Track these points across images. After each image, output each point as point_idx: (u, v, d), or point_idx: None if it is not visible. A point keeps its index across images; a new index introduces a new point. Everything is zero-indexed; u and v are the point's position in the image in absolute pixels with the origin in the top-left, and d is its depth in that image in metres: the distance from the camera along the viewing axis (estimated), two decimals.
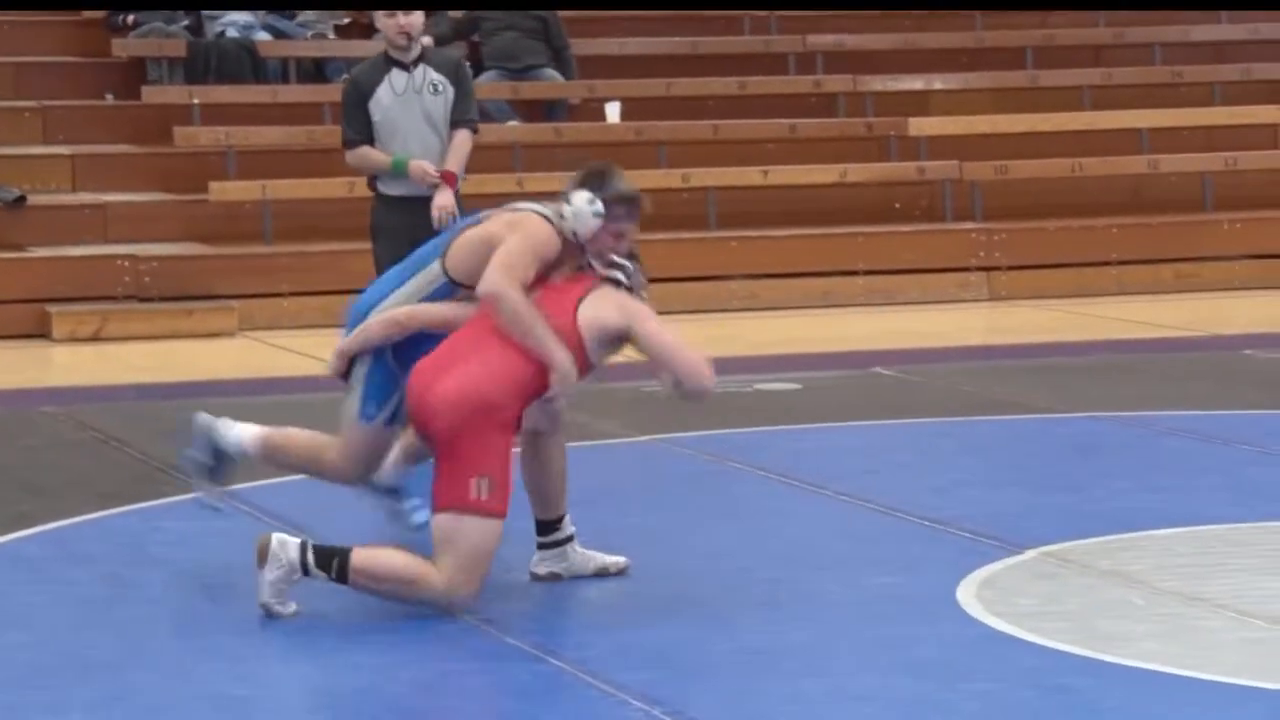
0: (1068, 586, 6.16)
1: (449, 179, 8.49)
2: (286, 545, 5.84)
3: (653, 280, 14.07)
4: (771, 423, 9.08)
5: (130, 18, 14.71)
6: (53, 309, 12.31)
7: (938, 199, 14.42)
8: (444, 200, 8.46)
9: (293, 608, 5.86)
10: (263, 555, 5.83)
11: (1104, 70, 15.73)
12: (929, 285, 13.58)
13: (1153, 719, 4.97)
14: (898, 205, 14.48)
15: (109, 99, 14.53)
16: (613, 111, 14.66)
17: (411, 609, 5.86)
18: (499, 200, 14.95)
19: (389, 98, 8.50)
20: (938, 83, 15.47)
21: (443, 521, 5.80)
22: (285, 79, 14.84)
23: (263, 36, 14.86)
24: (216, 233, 13.34)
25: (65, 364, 11.69)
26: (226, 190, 13.39)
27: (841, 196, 14.29)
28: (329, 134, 14.10)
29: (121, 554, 6.75)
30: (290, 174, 13.56)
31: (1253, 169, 14.79)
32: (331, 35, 15.22)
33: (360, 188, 13.62)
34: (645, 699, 5.11)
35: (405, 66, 8.50)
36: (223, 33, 14.77)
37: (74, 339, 12.17)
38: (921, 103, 15.32)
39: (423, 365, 5.95)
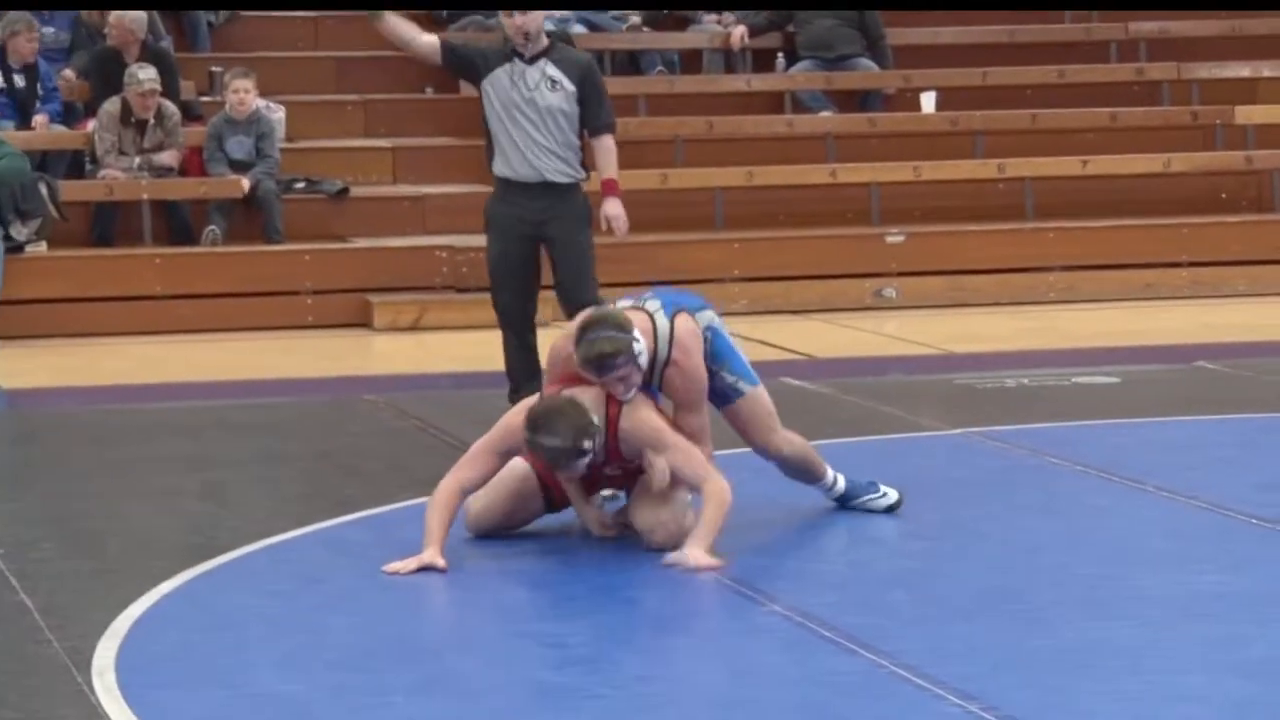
0: None
1: (610, 188, 8.52)
2: None
3: (969, 272, 13.99)
4: (1090, 417, 8.90)
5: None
6: (374, 299, 12.56)
7: (1266, 189, 14.02)
8: (612, 209, 8.53)
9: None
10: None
11: None
12: (1257, 277, 13.21)
13: None
14: (1224, 195, 14.13)
15: (429, 92, 14.77)
16: (928, 101, 14.51)
17: (728, 598, 5.84)
18: (815, 191, 14.90)
19: (505, 82, 8.52)
20: (1265, 69, 15.04)
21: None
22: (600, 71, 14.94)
23: (578, 30, 14.99)
24: None
25: (385, 353, 11.91)
26: None
27: (1165, 187, 13.98)
28: (643, 125, 14.21)
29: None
30: None
31: None
32: (646, 28, 15.30)
33: (675, 178, 13.76)
34: (961, 694, 5.03)
35: (525, 59, 8.46)
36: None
37: (394, 328, 12.39)
38: (1248, 90, 14.92)
39: None
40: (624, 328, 6.44)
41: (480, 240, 13.44)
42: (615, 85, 14.76)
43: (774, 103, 14.84)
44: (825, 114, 14.56)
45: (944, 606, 5.92)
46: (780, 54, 15.07)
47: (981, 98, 14.61)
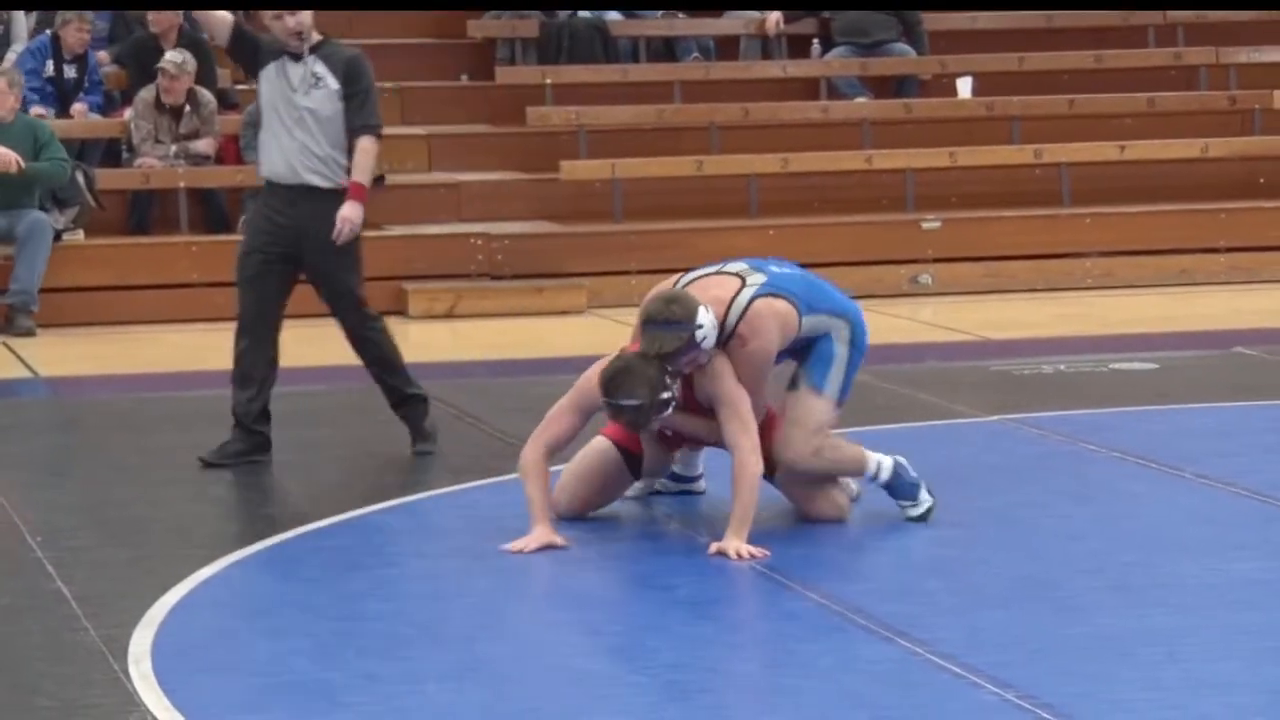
0: None
1: (356, 192, 7.94)
2: None
3: (1006, 258, 13.92)
4: (1126, 403, 8.87)
5: None
6: (409, 286, 12.57)
7: None
8: (347, 211, 7.91)
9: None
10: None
11: None
12: None
13: None
14: (1262, 180, 14.04)
15: (464, 80, 14.77)
16: (964, 87, 14.46)
17: (763, 585, 5.83)
18: (850, 178, 14.88)
19: (272, 76, 8.05)
20: None
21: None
22: (635, 58, 14.93)
23: (614, 16, 14.98)
24: (567, 211, 13.49)
25: (420, 340, 11.90)
26: (577, 169, 13.52)
27: (1202, 172, 13.91)
28: (678, 113, 14.19)
29: (474, 527, 6.84)
30: (640, 152, 13.64)
31: None
32: (681, 14, 15.27)
33: (710, 165, 13.74)
34: (997, 683, 5.02)
35: (295, 56, 8.04)
36: (574, 13, 14.92)
37: (429, 316, 12.40)
38: None
39: None
40: (684, 320, 6.39)
41: (515, 227, 13.51)
42: (650, 72, 14.82)
43: (809, 89, 14.80)
44: (861, 100, 14.52)
45: (980, 594, 5.90)
46: (816, 40, 15.03)
47: (1018, 83, 14.55)
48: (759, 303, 6.54)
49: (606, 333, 11.92)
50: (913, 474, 6.80)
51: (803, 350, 6.69)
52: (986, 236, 13.21)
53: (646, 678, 5.23)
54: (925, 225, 13.19)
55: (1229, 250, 13.26)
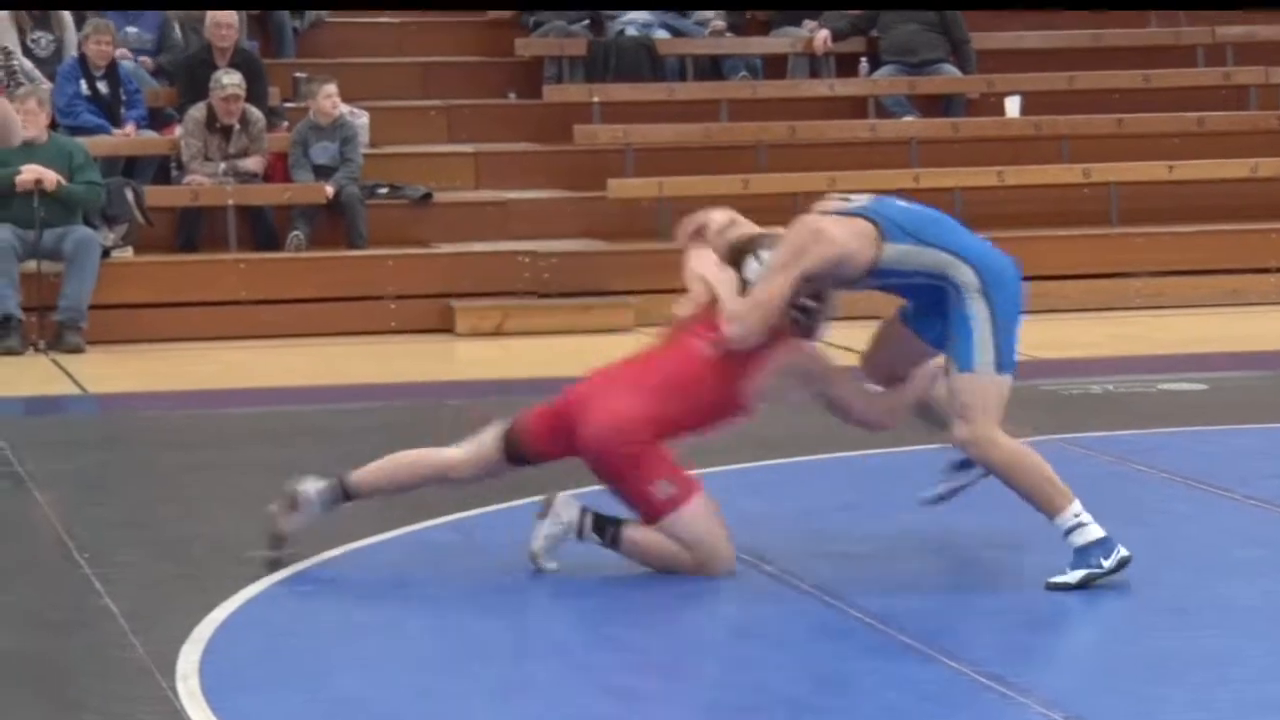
0: None
1: None
2: (570, 506, 6.25)
3: (1054, 278, 13.90)
4: (1176, 424, 8.83)
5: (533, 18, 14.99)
6: (456, 304, 12.59)
7: None
8: None
9: (554, 565, 6.25)
10: (547, 508, 6.27)
11: None
12: None
13: None
14: None
15: (511, 98, 14.80)
16: (1012, 106, 14.43)
17: (808, 605, 5.82)
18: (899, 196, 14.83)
19: None
20: None
21: (665, 527, 6.22)
22: (683, 76, 14.95)
23: (661, 34, 15.00)
24: (614, 229, 13.50)
25: (468, 358, 11.94)
26: (624, 187, 13.54)
27: (1253, 192, 13.85)
28: (725, 131, 14.20)
29: (522, 544, 6.83)
30: (687, 170, 13.65)
31: None
32: (729, 33, 15.28)
33: (757, 184, 13.71)
34: (1046, 703, 4.99)
35: None
36: (622, 31, 14.95)
37: (476, 334, 12.42)
38: None
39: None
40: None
41: (562, 245, 13.53)
42: (697, 90, 14.83)
43: (857, 108, 14.79)
44: (908, 119, 14.50)
45: (1026, 614, 5.87)
46: (864, 59, 15.02)
47: (1066, 102, 14.52)
48: (830, 205, 6.30)
49: None
50: (1107, 564, 6.01)
51: (943, 322, 6.17)
52: (1035, 256, 13.10)
53: (691, 695, 5.22)
54: None
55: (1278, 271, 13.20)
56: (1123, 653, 5.45)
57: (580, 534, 6.26)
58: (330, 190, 12.90)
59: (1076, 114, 14.35)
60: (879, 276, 6.20)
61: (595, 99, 14.32)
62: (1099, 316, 12.61)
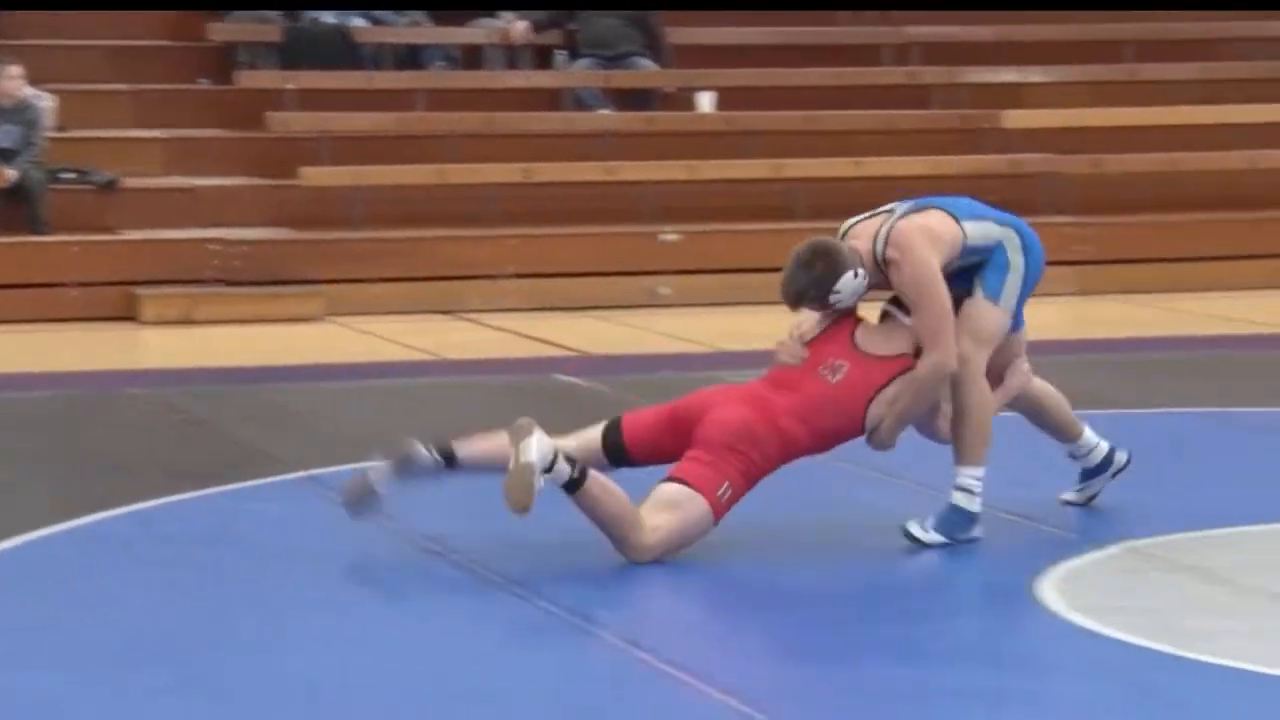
0: (1151, 582, 6.09)
1: None
2: (544, 440, 6.07)
3: (744, 270, 13.99)
4: None
5: None
6: (141, 292, 12.39)
7: (1033, 192, 14.29)
8: None
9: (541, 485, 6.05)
10: (529, 430, 6.03)
11: (1204, 65, 15.56)
12: None
13: (1237, 717, 4.89)
14: (990, 199, 14.34)
15: (202, 83, 14.61)
16: (704, 101, 14.62)
17: (489, 593, 5.85)
18: (591, 189, 14.92)
19: None
20: (1032, 75, 15.35)
21: (677, 490, 6.19)
22: (379, 65, 14.88)
23: (358, 23, 14.91)
24: (306, 218, 13.40)
25: (153, 346, 11.76)
26: (318, 175, 13.44)
27: (935, 188, 14.16)
28: (421, 120, 14.16)
29: (204, 535, 6.77)
30: (381, 160, 13.60)
31: None
32: (427, 22, 15.24)
33: (450, 174, 13.73)
34: (726, 690, 5.07)
35: None
36: (318, 18, 14.83)
37: (162, 322, 12.23)
38: (1015, 95, 15.20)
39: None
40: (811, 265, 6.34)
41: (253, 233, 13.38)
42: (395, 79, 14.76)
43: (553, 100, 14.87)
44: (603, 112, 14.61)
45: (671, 588, 5.93)
46: (560, 51, 15.10)
47: (758, 98, 14.74)
48: (901, 223, 6.40)
49: (344, 340, 11.88)
50: (961, 535, 6.45)
51: (979, 265, 6.45)
52: (725, 249, 13.37)
53: (372, 685, 5.22)
54: (664, 237, 13.31)
55: None
56: (799, 639, 5.55)
57: (551, 465, 6.06)
58: (12, 174, 12.61)
59: (768, 110, 14.57)
60: (965, 256, 6.42)
61: (289, 86, 14.20)
62: (783, 309, 12.77)
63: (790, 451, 6.34)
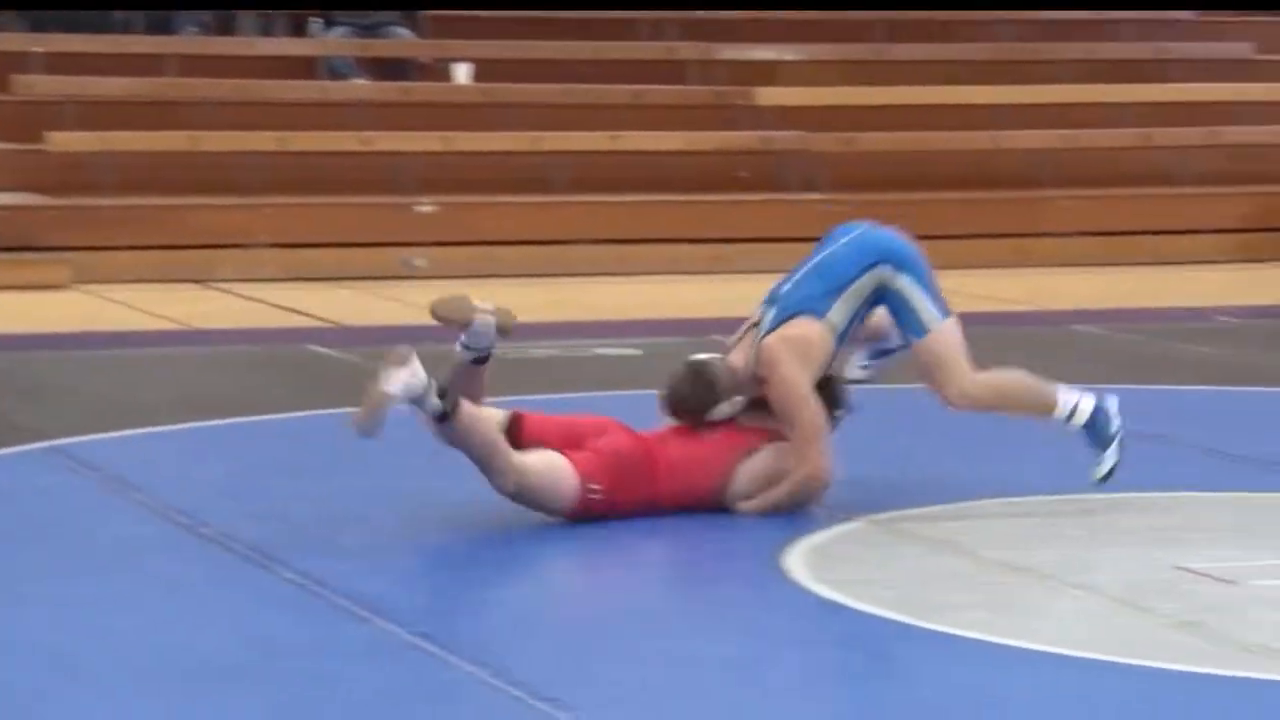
0: (895, 555, 6.21)
1: None
2: (418, 372, 6.13)
3: (498, 243, 14.06)
4: (612, 388, 9.07)
5: None
6: None
7: (783, 169, 14.48)
8: None
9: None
10: (406, 359, 6.10)
11: (953, 45, 15.87)
12: (766, 253, 13.61)
13: (971, 686, 5.02)
14: (744, 174, 14.52)
15: None
16: (461, 73, 14.60)
17: (236, 565, 5.81)
18: (346, 159, 14.78)
19: None
20: (787, 53, 15.54)
21: (557, 457, 6.34)
22: (130, 29, 14.66)
23: None
24: (53, 184, 13.16)
25: None
26: (65, 140, 13.21)
27: (690, 165, 14.31)
28: (172, 86, 13.98)
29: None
30: (132, 125, 13.40)
31: (1093, 147, 14.99)
32: None
33: (203, 141, 13.57)
34: (470, 658, 5.10)
35: None
36: None
37: None
38: (769, 73, 15.38)
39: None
40: (703, 402, 6.54)
41: None
42: (147, 44, 14.55)
43: (308, 68, 14.76)
44: (359, 81, 14.53)
45: (453, 570, 5.96)
46: (316, 19, 14.98)
47: (516, 71, 14.75)
48: (768, 339, 6.54)
49: (92, 308, 11.69)
50: (1116, 421, 6.58)
51: (894, 308, 6.62)
52: (480, 221, 13.37)
53: (118, 654, 5.17)
54: (419, 209, 13.28)
55: (712, 241, 13.67)
56: (553, 609, 5.60)
57: (424, 394, 6.13)
58: None
59: (525, 82, 14.59)
60: (846, 337, 6.65)
61: (36, 49, 13.92)
62: (540, 282, 12.84)
63: (655, 498, 6.45)
